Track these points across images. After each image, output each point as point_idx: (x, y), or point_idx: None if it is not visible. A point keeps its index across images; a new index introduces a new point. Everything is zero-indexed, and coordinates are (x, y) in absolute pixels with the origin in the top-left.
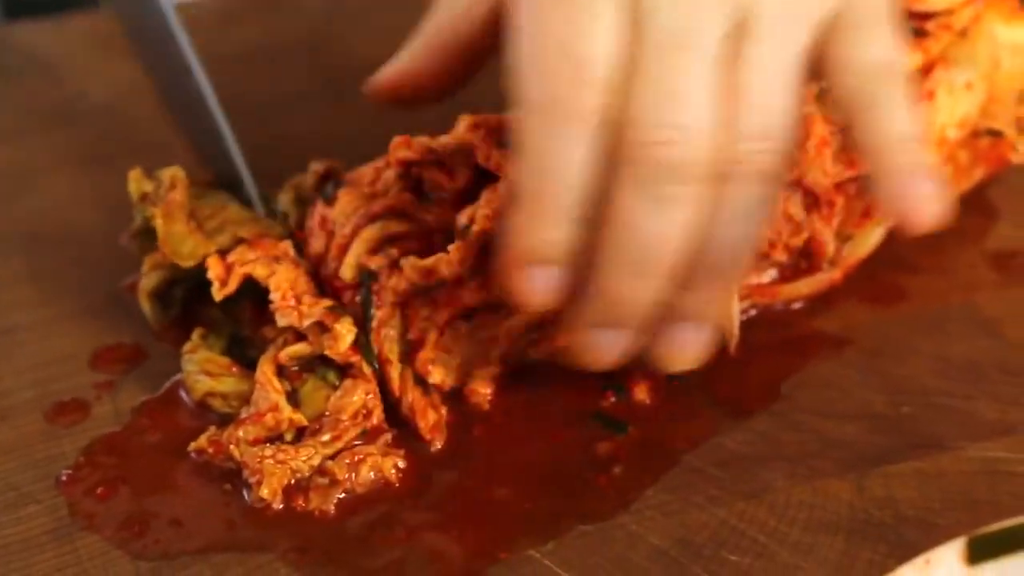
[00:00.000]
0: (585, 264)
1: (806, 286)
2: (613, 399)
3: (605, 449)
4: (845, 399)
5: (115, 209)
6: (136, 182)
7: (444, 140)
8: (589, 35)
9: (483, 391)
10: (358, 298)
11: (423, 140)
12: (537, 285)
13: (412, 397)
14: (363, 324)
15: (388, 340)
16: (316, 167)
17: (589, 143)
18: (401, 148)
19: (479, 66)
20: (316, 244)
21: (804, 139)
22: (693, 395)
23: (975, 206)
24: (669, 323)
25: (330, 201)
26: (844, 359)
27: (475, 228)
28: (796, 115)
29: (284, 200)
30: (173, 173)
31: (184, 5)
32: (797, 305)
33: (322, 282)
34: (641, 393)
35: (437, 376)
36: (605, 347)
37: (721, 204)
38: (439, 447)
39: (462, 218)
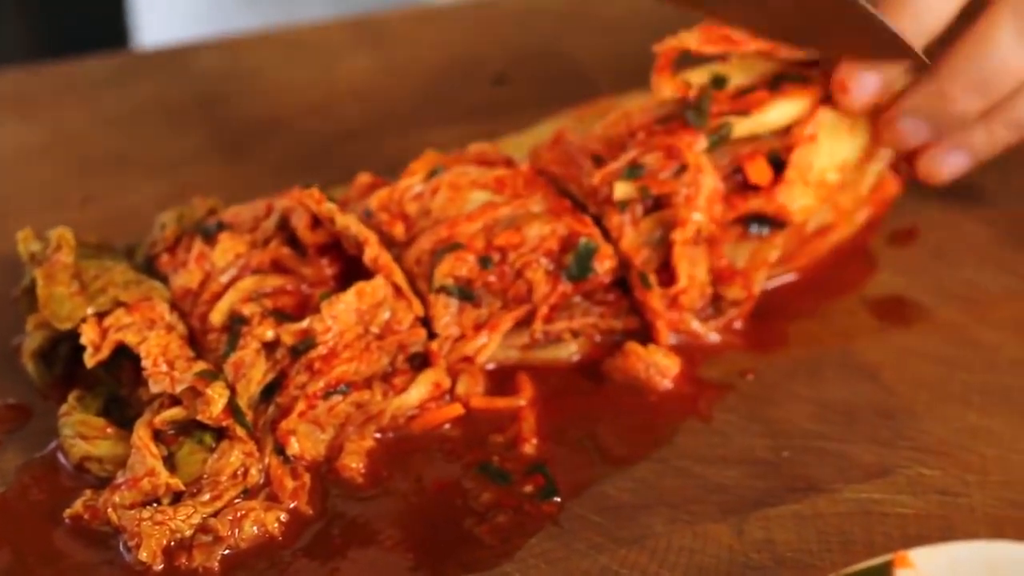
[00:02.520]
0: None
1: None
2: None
3: (488, 499)
4: (727, 444)
5: (13, 267)
6: (24, 242)
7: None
8: None
9: (354, 465)
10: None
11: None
12: (868, 87)
13: (271, 463)
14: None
15: (245, 381)
16: (199, 202)
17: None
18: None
19: None
20: (187, 278)
21: (696, 190)
22: (577, 444)
23: (855, 253)
24: (953, 143)
25: (211, 240)
26: (726, 404)
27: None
28: None
29: (167, 216)
30: (60, 234)
31: (78, 63)
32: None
33: (182, 315)
34: (527, 446)
35: (297, 447)
36: (910, 134)
37: None
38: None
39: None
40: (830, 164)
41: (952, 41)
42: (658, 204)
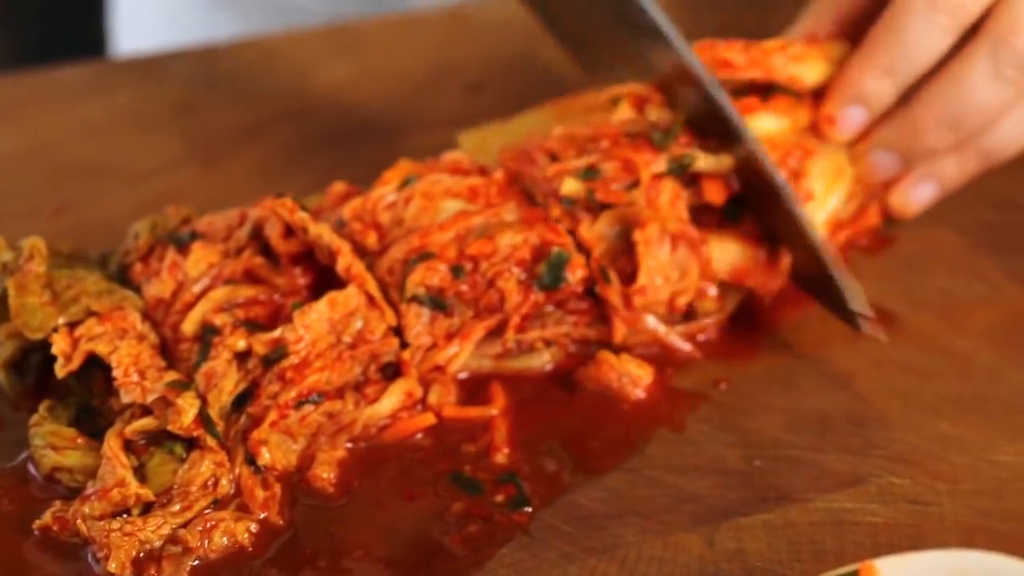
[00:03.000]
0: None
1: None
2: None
3: (459, 509)
4: (699, 454)
5: None
6: None
7: (315, 232)
8: None
9: (326, 476)
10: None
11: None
12: (854, 121)
13: (241, 474)
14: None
15: (216, 391)
16: (173, 211)
17: (951, 39)
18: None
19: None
20: (160, 288)
21: (656, 195)
22: (548, 454)
23: None
24: (922, 174)
25: (184, 250)
26: (699, 414)
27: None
28: None
29: (141, 225)
30: (33, 243)
31: (54, 71)
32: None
33: (155, 325)
34: (499, 455)
35: (267, 458)
36: (882, 167)
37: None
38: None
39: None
40: (825, 218)
41: (928, 76)
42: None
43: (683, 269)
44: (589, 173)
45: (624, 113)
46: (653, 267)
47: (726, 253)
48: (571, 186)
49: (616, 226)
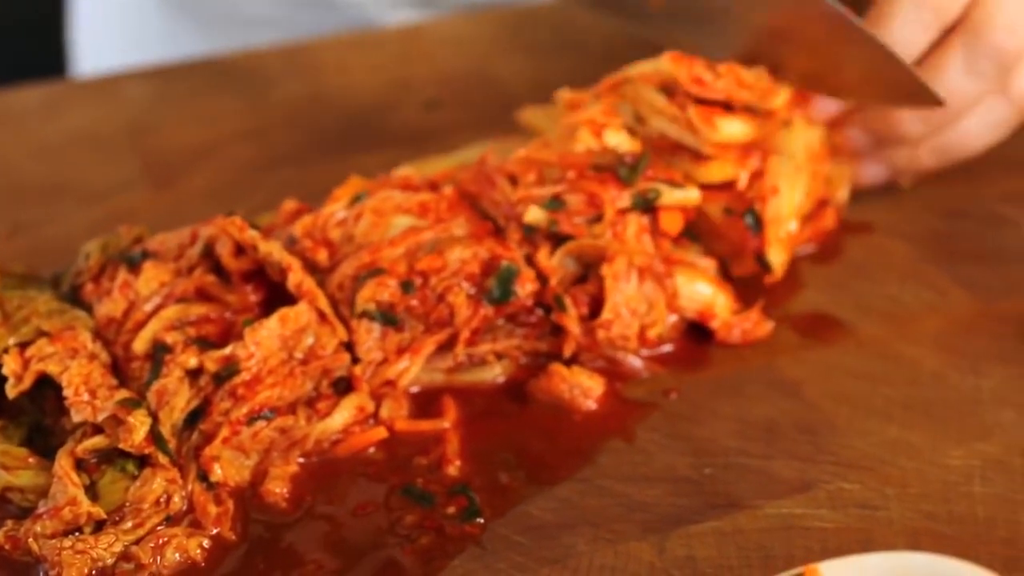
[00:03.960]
0: None
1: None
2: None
3: (411, 521)
4: (650, 462)
5: None
6: None
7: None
8: None
9: (278, 491)
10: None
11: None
12: (827, 103)
13: (194, 490)
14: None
15: (168, 408)
16: (125, 230)
17: (933, 33)
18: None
19: None
20: (111, 307)
21: (622, 229)
22: (500, 465)
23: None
24: (875, 157)
25: (135, 269)
26: (649, 423)
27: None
28: None
29: (92, 246)
30: None
31: (9, 92)
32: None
33: (106, 344)
34: (451, 467)
35: (220, 474)
36: (853, 142)
37: (982, 107)
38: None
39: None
40: (790, 212)
41: None
42: (560, 241)
43: (650, 302)
44: (554, 203)
45: (585, 140)
46: (620, 301)
47: (695, 292)
48: (535, 215)
49: (575, 257)
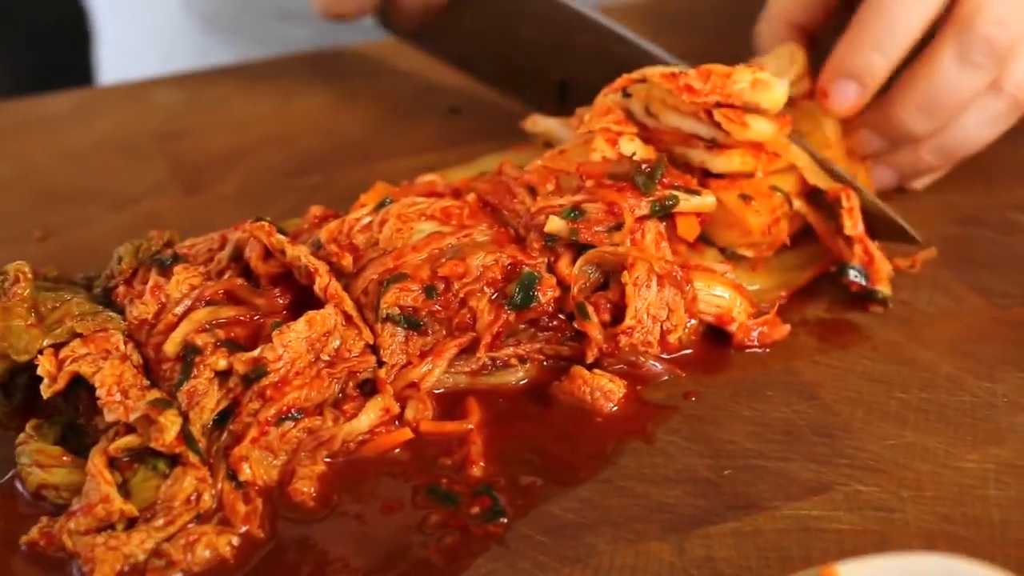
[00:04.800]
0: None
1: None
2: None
3: (436, 520)
4: (670, 464)
5: None
6: None
7: (292, 253)
8: None
9: (306, 489)
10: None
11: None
12: (847, 95)
13: (223, 489)
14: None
15: (198, 409)
16: (156, 235)
17: (932, 11)
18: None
19: None
20: (143, 309)
21: (641, 237)
22: (523, 466)
23: None
24: (883, 160)
25: (166, 272)
26: (669, 426)
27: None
28: None
29: (124, 249)
30: (18, 267)
31: (41, 100)
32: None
33: (138, 345)
34: (475, 468)
35: (248, 473)
36: (866, 144)
37: (978, 104)
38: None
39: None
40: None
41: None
42: (580, 249)
43: (671, 308)
44: (574, 213)
45: (601, 149)
46: (641, 308)
47: (713, 297)
48: (556, 224)
49: (595, 265)
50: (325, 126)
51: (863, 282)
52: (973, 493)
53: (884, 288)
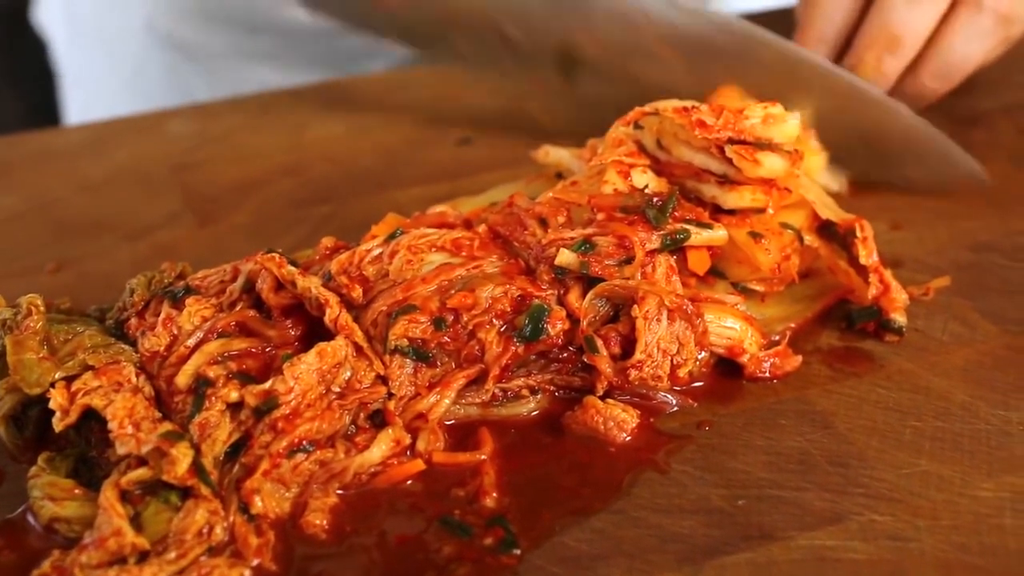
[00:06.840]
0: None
1: None
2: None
3: (450, 552)
4: (683, 494)
5: None
6: None
7: (303, 285)
8: None
9: (318, 522)
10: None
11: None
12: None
13: (235, 521)
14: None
15: (210, 441)
16: (168, 267)
17: None
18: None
19: None
20: (155, 341)
21: (652, 271)
22: (536, 496)
23: None
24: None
25: (178, 304)
26: (683, 455)
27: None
28: None
29: (137, 281)
30: (30, 300)
31: (55, 132)
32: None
33: (150, 377)
34: (488, 499)
35: (260, 506)
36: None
37: (961, 23)
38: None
39: (256, 398)
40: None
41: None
42: (591, 282)
43: (681, 342)
44: (584, 246)
45: (613, 181)
46: (651, 342)
47: (724, 329)
48: (566, 257)
49: (605, 299)
50: (337, 156)
51: (873, 322)
52: (989, 522)
53: (899, 317)
